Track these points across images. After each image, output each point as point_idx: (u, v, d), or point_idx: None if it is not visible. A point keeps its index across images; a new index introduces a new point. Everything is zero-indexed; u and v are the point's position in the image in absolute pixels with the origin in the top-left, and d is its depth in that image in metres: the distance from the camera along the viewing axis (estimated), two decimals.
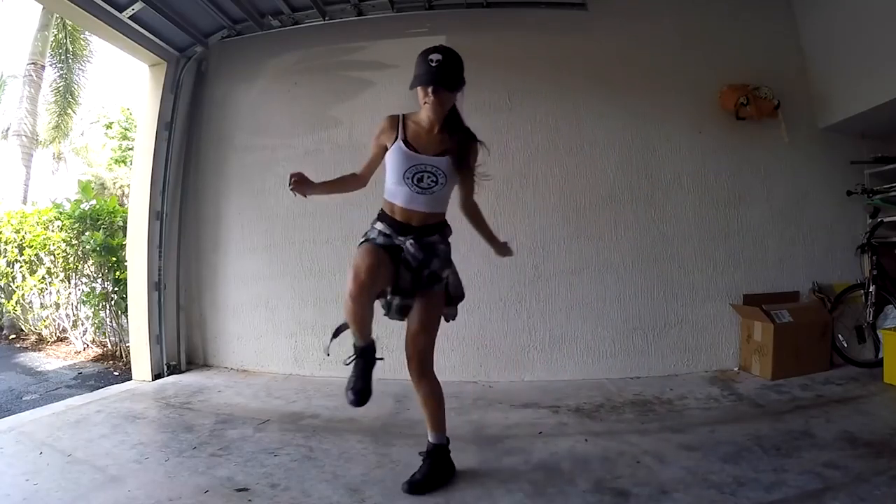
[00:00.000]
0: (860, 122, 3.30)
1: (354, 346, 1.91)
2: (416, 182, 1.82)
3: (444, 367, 3.48)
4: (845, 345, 3.28)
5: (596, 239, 3.44)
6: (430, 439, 1.99)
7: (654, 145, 3.50)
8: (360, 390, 1.85)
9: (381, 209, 1.95)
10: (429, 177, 1.82)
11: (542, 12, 3.54)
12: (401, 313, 1.92)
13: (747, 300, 3.36)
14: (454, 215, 2.02)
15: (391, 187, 1.88)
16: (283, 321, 3.70)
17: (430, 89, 1.78)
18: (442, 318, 2.00)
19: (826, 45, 3.39)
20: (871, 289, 3.18)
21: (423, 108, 1.85)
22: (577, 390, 3.05)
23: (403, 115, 1.92)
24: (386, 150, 1.89)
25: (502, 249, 2.14)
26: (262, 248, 3.76)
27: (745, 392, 2.90)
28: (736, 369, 3.32)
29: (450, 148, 1.84)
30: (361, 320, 1.83)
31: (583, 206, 3.47)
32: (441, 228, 1.92)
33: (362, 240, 1.91)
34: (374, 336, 1.90)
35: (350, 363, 1.90)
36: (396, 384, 3.31)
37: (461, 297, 2.00)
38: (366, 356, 1.90)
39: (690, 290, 3.43)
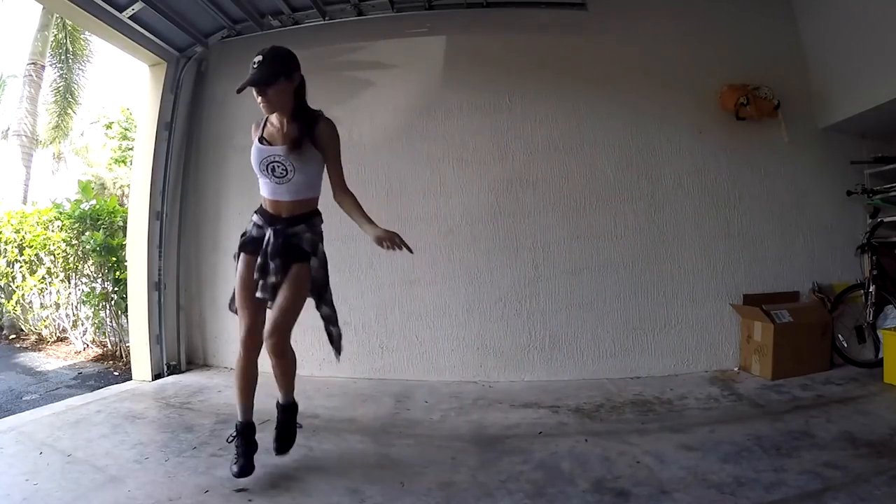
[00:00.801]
0: (860, 122, 3.30)
1: (237, 423, 2.05)
2: (271, 172, 1.96)
3: (444, 366, 3.51)
4: (845, 345, 3.28)
5: (596, 239, 3.44)
6: (285, 401, 2.15)
7: (654, 145, 3.50)
8: (243, 466, 1.94)
9: (260, 203, 2.08)
10: (279, 166, 1.95)
11: (542, 12, 3.54)
12: (270, 292, 1.98)
13: (747, 300, 3.36)
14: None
15: (259, 180, 2.03)
16: None
17: (254, 91, 1.92)
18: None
19: (826, 45, 3.39)
20: (871, 289, 3.18)
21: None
22: (577, 390, 3.05)
23: (266, 118, 2.05)
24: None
25: (379, 237, 2.11)
26: None
27: (745, 392, 2.90)
28: (736, 369, 3.32)
29: (291, 137, 1.95)
30: (245, 383, 2.08)
31: (583, 206, 3.47)
32: (309, 218, 2.04)
33: (241, 232, 2.10)
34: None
35: (232, 440, 2.03)
36: (396, 384, 3.33)
37: (322, 281, 2.10)
38: (246, 433, 2.02)
39: (690, 290, 3.43)
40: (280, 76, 1.93)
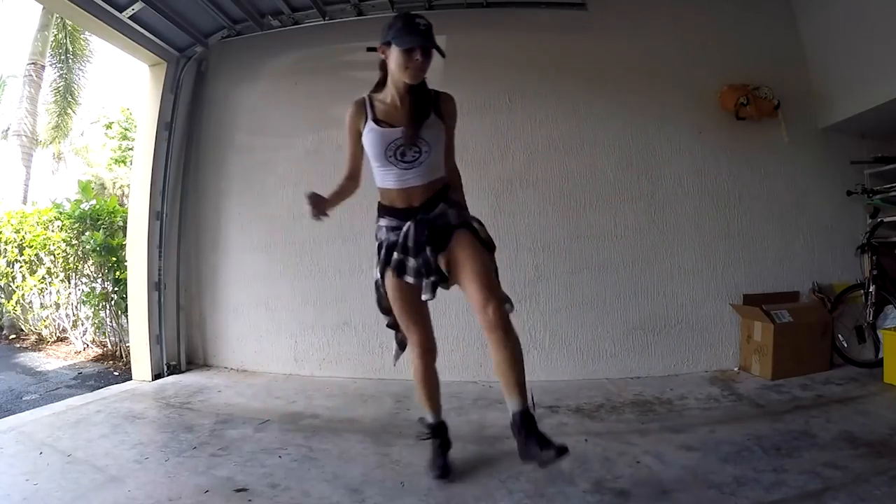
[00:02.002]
0: (860, 122, 3.30)
1: (426, 424, 2.01)
2: (399, 157, 1.74)
3: (444, 367, 3.48)
4: (845, 345, 3.27)
5: (596, 239, 3.44)
6: (520, 407, 1.65)
7: (654, 145, 3.49)
8: (442, 467, 1.92)
9: (379, 202, 1.86)
10: (411, 148, 1.74)
11: (542, 12, 3.54)
12: (443, 281, 1.76)
13: (747, 300, 3.36)
14: None
15: (379, 172, 1.81)
16: (283, 321, 3.70)
17: (418, 52, 1.67)
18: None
19: (826, 45, 3.39)
20: (871, 289, 3.17)
21: (400, 76, 1.72)
22: (577, 390, 3.04)
23: (368, 96, 1.83)
24: (361, 135, 1.81)
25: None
26: (262, 248, 3.77)
27: (745, 392, 2.90)
28: (736, 369, 3.31)
29: (420, 114, 1.74)
30: (433, 392, 2.00)
31: (583, 206, 3.47)
32: (443, 195, 1.81)
33: (377, 244, 1.86)
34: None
35: (425, 439, 1.99)
36: (396, 384, 3.32)
37: (491, 241, 1.86)
38: (439, 433, 1.99)
39: (690, 290, 3.43)
40: (437, 50, 1.71)
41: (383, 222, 1.83)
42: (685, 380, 3.17)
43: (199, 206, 3.87)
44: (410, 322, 1.89)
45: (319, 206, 1.79)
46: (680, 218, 3.47)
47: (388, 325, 1.99)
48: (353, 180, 1.94)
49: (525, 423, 1.64)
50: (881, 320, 3.18)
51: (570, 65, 3.54)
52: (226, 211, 3.84)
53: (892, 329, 2.97)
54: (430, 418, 2.03)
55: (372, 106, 1.80)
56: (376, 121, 1.76)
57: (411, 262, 1.76)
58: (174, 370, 3.62)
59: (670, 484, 1.87)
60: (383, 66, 1.81)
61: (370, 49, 1.83)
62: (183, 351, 3.74)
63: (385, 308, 1.93)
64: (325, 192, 1.93)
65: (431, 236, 1.74)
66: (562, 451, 1.56)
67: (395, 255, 1.78)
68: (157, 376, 3.50)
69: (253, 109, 3.86)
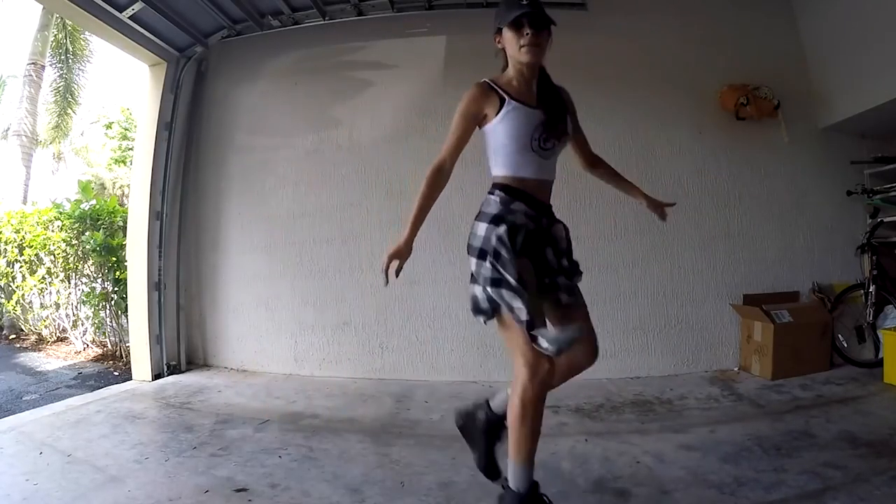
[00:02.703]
0: (860, 122, 3.30)
1: (507, 486, 1.51)
2: (542, 145, 1.54)
3: (444, 366, 3.51)
4: (845, 345, 3.27)
5: (596, 239, 3.44)
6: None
7: (654, 145, 3.49)
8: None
9: (504, 184, 1.57)
10: (550, 137, 1.56)
11: None
12: (570, 293, 1.56)
13: (747, 300, 3.36)
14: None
15: (516, 158, 1.55)
16: (283, 321, 3.70)
17: (527, 25, 1.53)
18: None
19: (826, 45, 3.39)
20: (871, 289, 3.17)
21: (517, 55, 1.57)
22: (577, 390, 3.03)
23: (492, 80, 1.61)
24: (482, 122, 1.59)
25: (658, 205, 1.85)
26: (262, 248, 3.77)
27: (745, 392, 2.90)
28: (736, 369, 3.31)
29: (552, 103, 1.59)
30: (536, 435, 1.46)
31: (583, 206, 3.47)
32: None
33: (502, 229, 1.49)
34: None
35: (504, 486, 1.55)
36: (396, 384, 3.33)
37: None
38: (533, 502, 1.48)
39: (690, 290, 3.43)
40: (550, 24, 1.57)
41: (517, 206, 1.53)
42: (685, 380, 3.18)
43: (199, 206, 3.87)
44: (542, 362, 1.48)
45: (403, 256, 1.61)
46: (680, 218, 3.46)
47: (490, 316, 1.55)
48: (445, 173, 1.66)
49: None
50: (881, 320, 3.18)
51: (570, 65, 3.51)
52: (226, 211, 3.84)
53: (892, 329, 2.97)
54: (524, 476, 1.47)
55: (502, 88, 1.58)
56: (516, 100, 1.55)
57: (553, 260, 1.57)
58: (174, 370, 3.62)
59: (670, 484, 1.87)
60: (504, 57, 1.67)
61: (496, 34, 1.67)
62: (183, 351, 3.74)
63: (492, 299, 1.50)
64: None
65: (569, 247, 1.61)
66: None
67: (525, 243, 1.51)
68: (157, 376, 3.50)
69: (253, 109, 3.86)
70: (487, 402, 1.77)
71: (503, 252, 1.47)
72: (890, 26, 2.86)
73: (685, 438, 2.28)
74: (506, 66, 1.67)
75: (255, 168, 3.81)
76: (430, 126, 3.57)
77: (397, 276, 1.58)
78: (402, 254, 1.61)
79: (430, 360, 3.49)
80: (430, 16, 3.62)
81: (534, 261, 1.54)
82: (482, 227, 1.55)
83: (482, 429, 1.72)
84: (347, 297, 3.61)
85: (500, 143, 1.58)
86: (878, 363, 3.01)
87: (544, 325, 1.51)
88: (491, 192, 1.60)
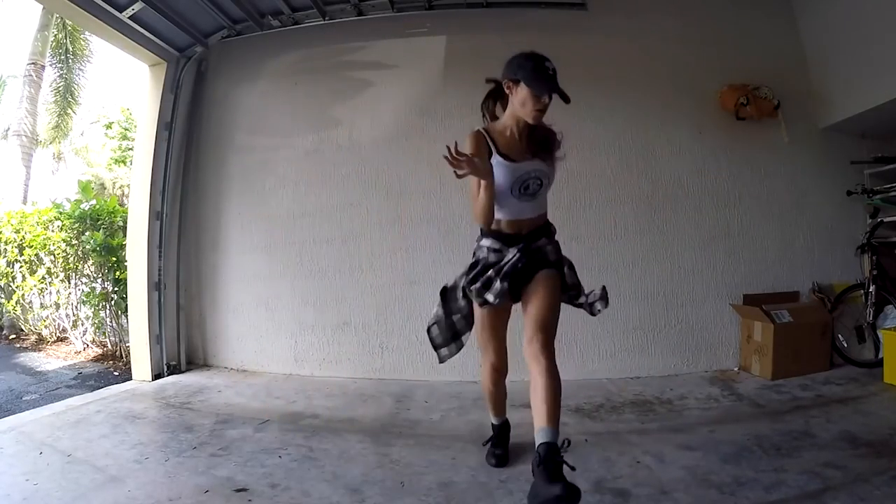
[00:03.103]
0: (860, 122, 3.30)
1: (492, 425, 2.17)
2: (522, 192, 1.80)
3: (444, 366, 3.48)
4: (845, 345, 3.28)
5: (596, 239, 3.44)
6: (548, 438, 1.53)
7: (654, 145, 3.49)
8: (501, 455, 2.08)
9: (481, 226, 1.88)
10: (534, 182, 1.80)
11: (542, 12, 3.54)
12: (505, 296, 1.80)
13: (747, 300, 3.36)
14: None
15: (497, 201, 1.79)
16: (283, 321, 3.70)
17: (546, 98, 1.74)
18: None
19: (826, 45, 3.39)
20: (871, 289, 3.18)
21: (524, 113, 1.77)
22: (577, 390, 3.04)
23: (485, 129, 1.85)
24: None
25: None
26: (262, 248, 3.77)
27: (745, 392, 2.90)
28: (736, 369, 3.32)
29: (538, 150, 1.81)
30: (498, 402, 2.12)
31: (583, 206, 3.47)
32: (546, 229, 1.92)
33: (471, 270, 1.88)
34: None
35: (488, 443, 2.16)
36: (396, 384, 3.33)
37: (577, 285, 1.98)
38: (502, 432, 2.15)
39: (690, 290, 3.43)
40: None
41: (486, 242, 1.87)
42: (685, 380, 3.18)
43: (199, 206, 3.87)
44: (488, 340, 1.96)
45: (481, 169, 1.69)
46: (680, 218, 3.47)
47: (429, 329, 2.08)
48: (491, 212, 1.83)
49: (549, 455, 1.50)
50: (881, 320, 3.19)
51: (570, 64, 3.48)
52: (226, 211, 3.84)
53: (892, 329, 2.97)
54: (494, 420, 2.18)
55: (493, 139, 1.81)
56: (501, 154, 1.78)
57: (497, 285, 1.79)
58: (174, 370, 3.62)
59: (670, 484, 1.87)
60: (495, 96, 1.89)
61: (489, 80, 1.90)
62: (183, 351, 3.74)
63: (447, 315, 2.03)
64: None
65: (527, 266, 1.81)
66: (570, 494, 1.41)
67: (489, 273, 1.82)
68: (157, 376, 3.50)
69: (253, 109, 3.86)
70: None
71: (467, 281, 1.90)
72: (890, 26, 2.86)
73: (685, 438, 2.28)
74: (497, 107, 1.90)
75: (255, 168, 3.81)
76: (430, 126, 3.57)
77: (460, 176, 1.67)
78: (483, 169, 1.70)
79: (430, 360, 3.45)
80: (430, 16, 3.62)
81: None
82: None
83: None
84: (347, 297, 3.61)
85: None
86: (878, 363, 3.01)
87: (445, 345, 2.10)
88: None
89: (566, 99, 1.74)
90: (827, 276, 3.45)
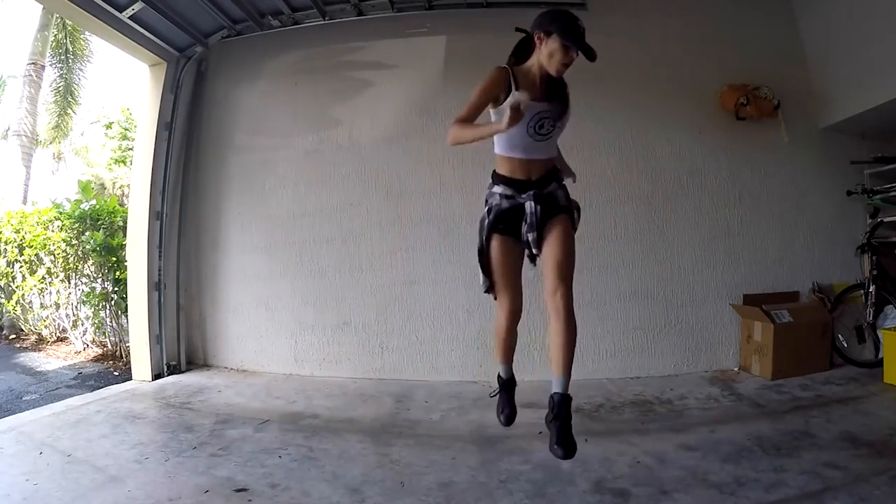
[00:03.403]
0: (860, 122, 3.30)
1: (498, 377, 2.14)
2: (537, 130, 1.83)
3: (444, 366, 3.51)
4: (845, 345, 3.27)
5: (596, 239, 3.44)
6: (562, 389, 1.84)
7: (654, 145, 3.49)
8: (509, 415, 2.06)
9: (495, 171, 1.94)
10: (548, 122, 1.84)
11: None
12: (536, 246, 1.87)
13: (747, 300, 3.35)
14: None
15: (507, 141, 1.87)
16: (283, 321, 3.70)
17: (574, 52, 1.79)
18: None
19: (826, 45, 3.39)
20: (871, 289, 3.18)
21: (551, 64, 1.82)
22: (577, 390, 2.99)
23: (510, 67, 1.89)
24: (496, 101, 1.85)
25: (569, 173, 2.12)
26: (262, 248, 3.77)
27: (745, 392, 2.90)
28: (736, 369, 3.31)
29: (554, 95, 1.87)
30: (508, 349, 2.08)
31: (583, 206, 3.44)
32: (555, 174, 1.95)
33: (485, 210, 1.92)
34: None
35: (495, 395, 2.15)
36: (396, 384, 3.33)
37: (578, 209, 2.03)
38: (509, 387, 2.12)
39: (690, 291, 3.43)
40: None
41: (497, 189, 1.90)
42: (685, 380, 3.17)
43: (199, 206, 3.87)
44: (506, 283, 1.93)
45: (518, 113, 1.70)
46: (680, 218, 3.47)
47: (486, 290, 2.01)
48: (467, 121, 1.90)
49: (561, 406, 1.81)
50: (881, 320, 3.19)
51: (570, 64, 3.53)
52: (226, 211, 3.84)
53: (892, 329, 2.97)
54: (503, 373, 2.13)
55: (515, 78, 1.85)
56: (521, 91, 1.79)
57: (531, 236, 1.85)
58: (174, 370, 3.62)
59: (670, 484, 1.87)
60: (523, 48, 1.92)
61: (519, 30, 1.93)
62: (183, 351, 3.74)
63: (487, 271, 1.96)
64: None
65: (545, 213, 1.87)
66: (567, 453, 1.71)
67: (503, 223, 1.88)
68: (157, 376, 3.50)
69: (253, 109, 3.86)
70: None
71: (482, 226, 1.93)
72: (890, 27, 2.85)
73: (685, 438, 2.28)
74: (523, 57, 1.91)
75: (255, 168, 3.81)
76: (429, 126, 3.57)
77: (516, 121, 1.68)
78: (519, 113, 1.69)
79: (430, 360, 3.49)
80: (430, 16, 3.62)
81: (512, 228, 1.89)
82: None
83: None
84: (347, 297, 3.61)
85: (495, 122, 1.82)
86: (878, 363, 3.01)
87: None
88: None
89: (592, 56, 1.79)
90: (827, 276, 3.45)
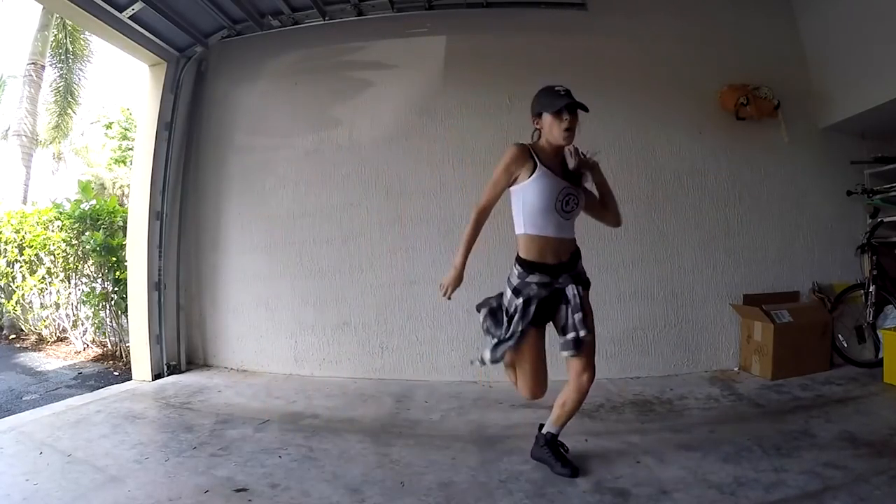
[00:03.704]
0: (860, 122, 3.30)
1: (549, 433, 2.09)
2: (563, 207, 1.86)
3: (444, 366, 3.51)
4: (845, 345, 3.28)
5: (596, 239, 3.43)
6: (553, 431, 2.05)
7: (655, 145, 3.49)
8: (572, 468, 1.99)
9: (522, 257, 1.92)
10: (573, 199, 1.88)
11: (542, 12, 3.54)
12: (573, 347, 1.91)
13: (747, 300, 3.36)
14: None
15: (538, 220, 1.88)
16: (283, 321, 3.70)
17: (565, 112, 1.82)
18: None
19: (826, 45, 3.39)
20: (871, 289, 3.18)
21: (557, 139, 1.86)
22: None
23: (531, 145, 1.93)
24: (514, 181, 1.89)
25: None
26: (262, 248, 3.77)
27: (745, 392, 2.90)
28: (736, 369, 3.31)
29: (571, 175, 1.90)
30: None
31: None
32: (578, 252, 1.99)
33: (518, 301, 1.89)
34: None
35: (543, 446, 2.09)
36: (396, 384, 3.33)
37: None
38: (553, 445, 2.06)
39: (690, 290, 3.43)
40: (583, 109, 1.88)
41: (533, 279, 1.88)
42: (685, 380, 3.18)
43: (199, 206, 3.87)
44: (534, 373, 1.97)
45: (457, 283, 1.95)
46: (680, 218, 3.47)
47: (494, 362, 2.00)
48: (487, 213, 1.98)
49: (550, 442, 2.04)
50: (881, 320, 3.19)
51: (570, 65, 3.53)
52: (226, 211, 3.84)
53: (892, 329, 2.97)
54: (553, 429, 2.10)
55: (537, 154, 1.89)
56: (546, 166, 1.86)
57: (578, 316, 1.88)
58: (174, 370, 3.62)
59: (670, 484, 1.87)
60: (538, 133, 1.96)
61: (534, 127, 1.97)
62: (183, 351, 3.74)
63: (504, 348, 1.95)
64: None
65: (582, 295, 1.91)
66: (574, 472, 1.95)
67: (540, 313, 1.90)
68: (157, 376, 3.50)
69: (253, 109, 3.86)
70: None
71: (516, 316, 1.90)
72: (890, 26, 2.86)
73: (685, 438, 2.28)
74: (538, 137, 1.95)
75: (255, 168, 3.81)
76: (429, 126, 3.57)
77: (449, 298, 1.96)
78: (458, 281, 1.95)
79: (430, 360, 3.49)
80: (430, 16, 3.62)
81: (551, 316, 1.96)
82: (508, 293, 1.95)
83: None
84: (347, 297, 3.62)
85: (527, 202, 1.87)
86: (878, 363, 3.01)
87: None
88: (515, 263, 1.95)
89: (584, 108, 1.84)
90: (827, 276, 3.45)
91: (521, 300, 1.88)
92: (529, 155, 1.87)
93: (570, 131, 1.84)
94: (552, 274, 1.88)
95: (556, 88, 1.86)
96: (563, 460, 2.00)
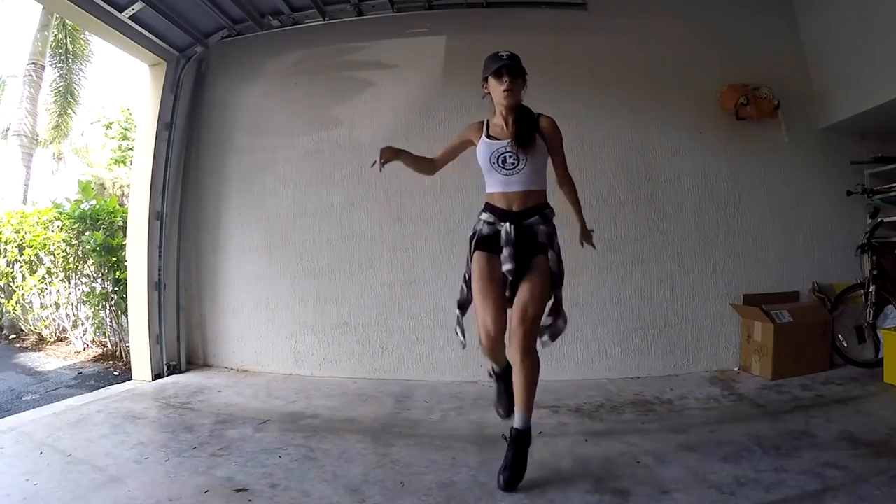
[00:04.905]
0: (860, 122, 3.30)
1: (492, 372, 2.22)
2: (501, 164, 2.03)
3: (444, 366, 3.51)
4: (845, 345, 3.28)
5: (596, 239, 3.41)
6: (519, 425, 1.94)
7: (654, 145, 3.49)
8: (507, 405, 2.14)
9: (485, 202, 2.12)
10: (510, 156, 2.02)
11: (542, 12, 3.54)
12: (511, 273, 1.97)
13: (747, 300, 3.36)
14: None
15: (487, 178, 2.10)
16: (283, 321, 3.70)
17: (505, 73, 2.00)
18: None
19: (826, 45, 3.39)
20: (871, 289, 3.17)
21: (499, 99, 2.05)
22: (577, 390, 3.04)
23: (487, 120, 2.18)
24: (469, 144, 2.18)
25: (586, 235, 2.33)
26: (262, 248, 3.77)
27: (745, 392, 2.90)
28: (736, 369, 3.32)
29: (519, 132, 2.04)
30: (497, 357, 2.10)
31: (583, 206, 3.45)
32: (541, 210, 2.06)
33: (471, 234, 2.10)
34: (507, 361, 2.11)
35: (493, 386, 2.24)
36: (396, 384, 3.33)
37: (561, 275, 2.08)
38: (505, 378, 2.14)
39: (690, 290, 3.43)
40: (524, 74, 2.07)
41: (483, 216, 2.09)
42: (685, 380, 3.18)
43: (198, 206, 3.87)
44: (483, 299, 1.97)
45: (386, 154, 2.15)
46: (680, 218, 3.47)
47: (459, 305, 2.20)
48: (433, 164, 2.30)
49: (518, 442, 1.93)
50: (881, 320, 3.19)
51: (570, 65, 3.54)
52: (226, 211, 3.84)
53: (892, 329, 2.97)
54: (495, 367, 2.19)
55: (487, 126, 2.16)
56: (488, 136, 2.12)
57: (506, 251, 1.98)
58: (174, 370, 3.62)
59: (670, 484, 1.87)
60: (491, 101, 2.16)
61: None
62: (183, 351, 3.74)
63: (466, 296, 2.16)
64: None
65: (519, 240, 1.99)
66: (507, 483, 1.86)
67: (486, 245, 2.04)
68: (157, 376, 3.50)
69: (253, 109, 3.86)
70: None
71: (469, 251, 2.10)
72: (890, 27, 2.86)
73: (685, 438, 2.28)
74: (493, 108, 2.14)
75: (256, 168, 3.81)
76: (430, 126, 3.57)
77: (380, 169, 2.16)
78: (390, 152, 2.21)
79: (430, 360, 3.49)
80: (430, 16, 3.62)
81: (495, 251, 2.03)
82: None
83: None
84: (347, 297, 3.62)
85: (480, 166, 2.13)
86: (878, 363, 3.01)
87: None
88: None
89: (522, 71, 2.05)
90: (827, 276, 3.45)
91: (472, 241, 2.07)
92: (480, 127, 2.15)
93: (509, 91, 2.00)
94: (499, 216, 2.04)
95: (500, 54, 2.04)
96: (505, 400, 2.14)
